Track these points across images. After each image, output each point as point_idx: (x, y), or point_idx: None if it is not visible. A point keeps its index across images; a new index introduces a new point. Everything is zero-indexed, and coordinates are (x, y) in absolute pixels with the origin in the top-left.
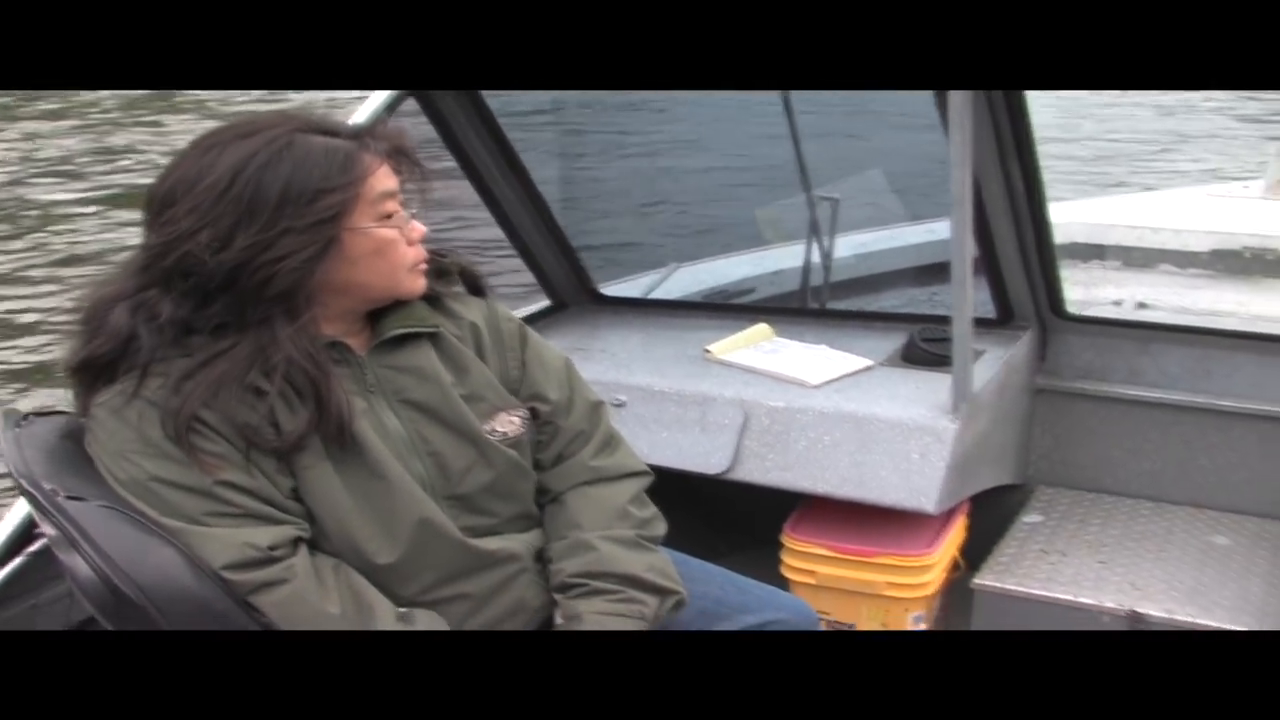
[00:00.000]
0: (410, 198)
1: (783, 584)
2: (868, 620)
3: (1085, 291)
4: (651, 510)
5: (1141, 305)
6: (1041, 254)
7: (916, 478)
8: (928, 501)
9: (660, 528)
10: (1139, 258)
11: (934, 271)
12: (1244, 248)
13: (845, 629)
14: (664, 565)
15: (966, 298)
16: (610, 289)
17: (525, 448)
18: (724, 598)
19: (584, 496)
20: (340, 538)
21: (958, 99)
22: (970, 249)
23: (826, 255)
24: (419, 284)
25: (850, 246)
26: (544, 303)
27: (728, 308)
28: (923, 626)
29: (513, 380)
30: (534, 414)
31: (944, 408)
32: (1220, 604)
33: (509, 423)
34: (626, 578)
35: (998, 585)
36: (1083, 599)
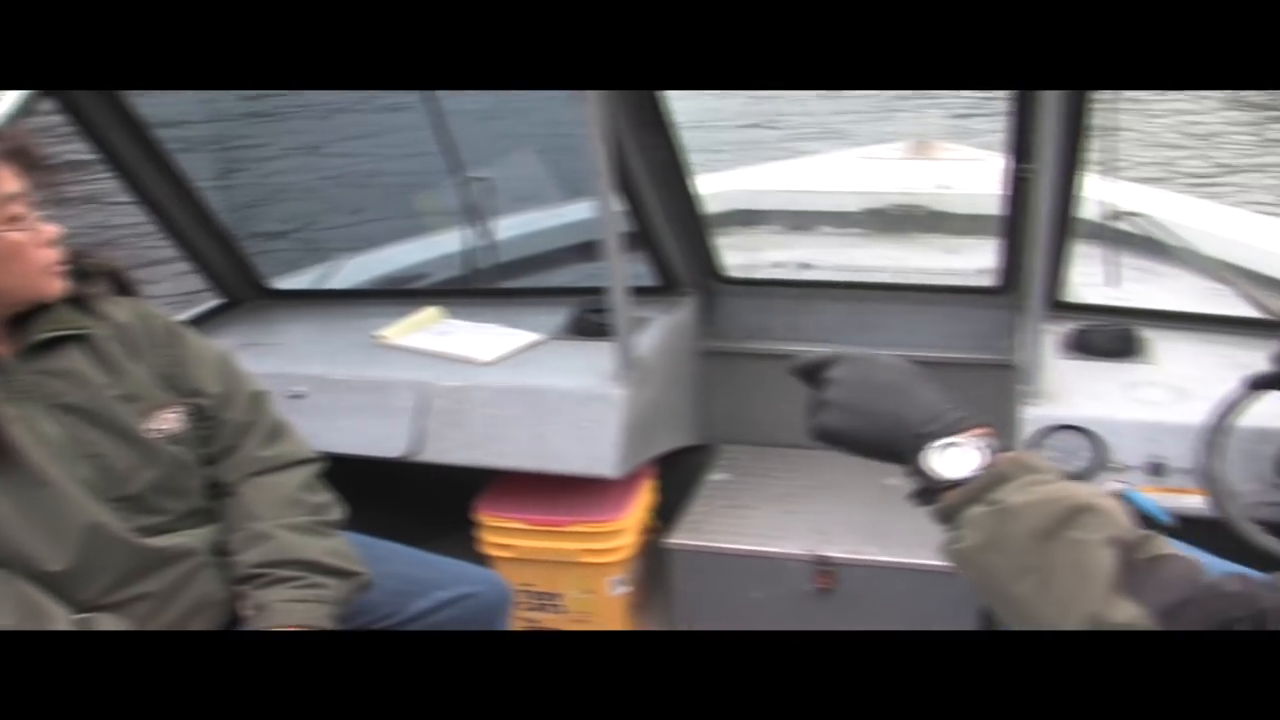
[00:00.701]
0: (45, 199)
1: (485, 561)
2: (571, 588)
3: (750, 255)
4: (326, 496)
5: (803, 265)
6: (693, 222)
7: (593, 445)
8: (607, 467)
9: (336, 512)
10: (799, 220)
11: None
12: (892, 205)
13: (551, 597)
14: (343, 548)
15: (618, 268)
16: (281, 283)
17: (189, 443)
18: (415, 575)
19: (256, 487)
20: (6, 548)
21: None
22: (618, 221)
23: (488, 235)
24: (56, 286)
25: (518, 226)
26: (214, 301)
27: (399, 293)
28: (624, 591)
29: (169, 377)
30: (196, 409)
31: (613, 375)
32: (898, 541)
33: (168, 420)
34: (306, 563)
35: (691, 543)
36: (771, 548)
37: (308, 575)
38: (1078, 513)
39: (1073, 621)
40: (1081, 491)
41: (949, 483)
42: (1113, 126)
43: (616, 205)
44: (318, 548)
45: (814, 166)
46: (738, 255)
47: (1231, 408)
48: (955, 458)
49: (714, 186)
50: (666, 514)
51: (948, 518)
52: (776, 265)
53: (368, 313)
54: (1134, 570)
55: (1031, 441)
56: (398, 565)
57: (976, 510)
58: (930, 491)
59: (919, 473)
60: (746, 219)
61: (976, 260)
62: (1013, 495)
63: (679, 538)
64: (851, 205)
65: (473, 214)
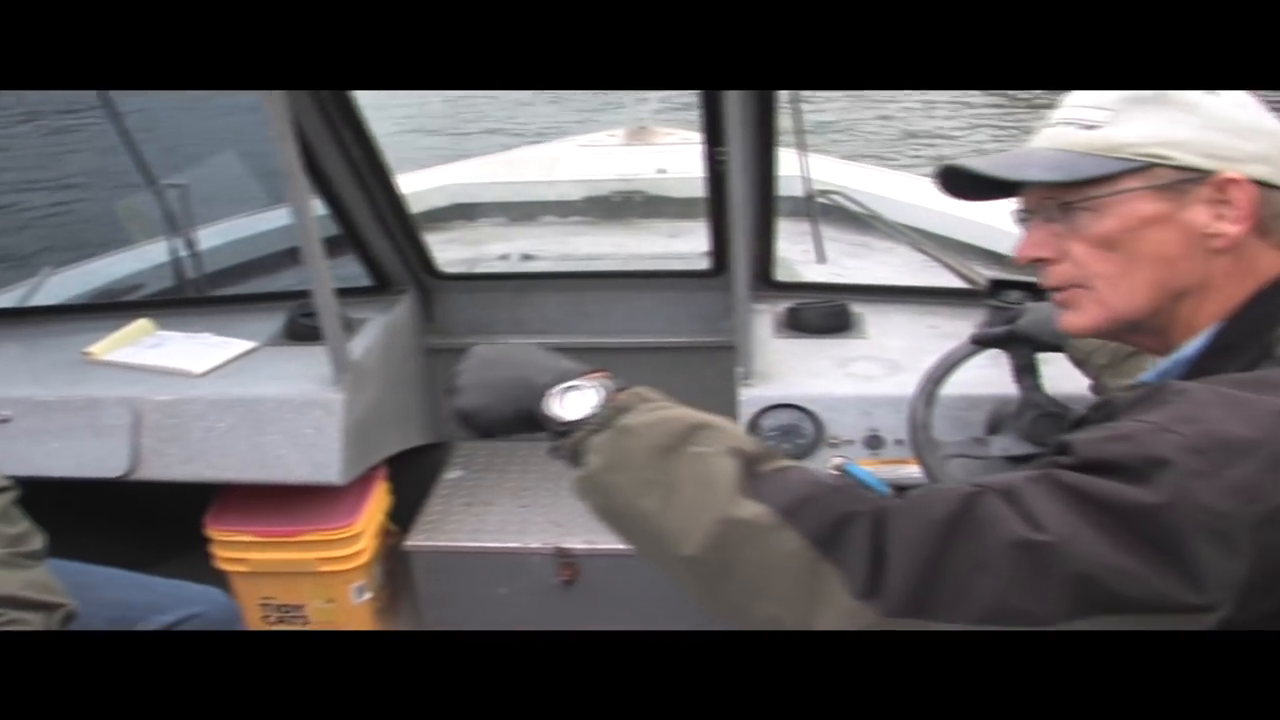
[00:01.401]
0: None
1: (220, 578)
2: (313, 598)
3: (473, 249)
4: (23, 524)
5: (527, 257)
6: (400, 220)
7: (315, 452)
8: (332, 473)
9: (36, 541)
10: (521, 212)
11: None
12: (614, 192)
13: (293, 609)
14: (44, 579)
15: (321, 270)
16: None
17: None
18: (132, 600)
19: None
20: None
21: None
22: (315, 223)
23: (193, 243)
24: None
25: (230, 232)
26: None
27: (109, 307)
28: (368, 597)
29: None
30: None
31: (329, 380)
32: None
33: None
34: (2, 599)
35: (429, 544)
36: (512, 544)
37: (5, 612)
38: (696, 429)
39: (702, 527)
40: (699, 413)
41: (572, 423)
42: (803, 108)
43: (313, 207)
44: (15, 581)
45: (534, 157)
46: (460, 249)
47: (955, 362)
48: (575, 400)
49: (430, 182)
50: (404, 516)
51: (575, 456)
52: (501, 258)
53: (76, 329)
54: (757, 477)
55: (750, 421)
56: (114, 591)
57: (598, 437)
58: (560, 438)
59: (548, 423)
60: (467, 213)
61: (697, 243)
62: (632, 419)
63: (418, 539)
64: (573, 194)
65: (173, 222)
